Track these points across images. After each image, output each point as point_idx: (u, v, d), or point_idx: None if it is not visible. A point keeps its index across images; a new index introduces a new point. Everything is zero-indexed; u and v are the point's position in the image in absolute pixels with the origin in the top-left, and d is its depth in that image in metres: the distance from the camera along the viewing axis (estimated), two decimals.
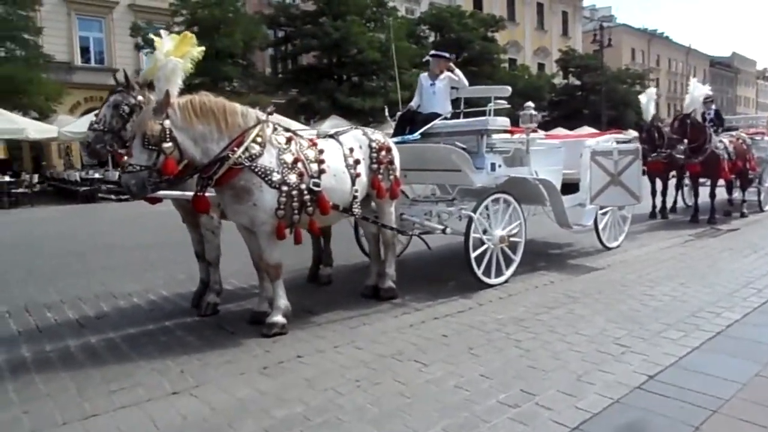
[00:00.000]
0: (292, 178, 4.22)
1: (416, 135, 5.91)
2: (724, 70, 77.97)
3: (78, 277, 6.67)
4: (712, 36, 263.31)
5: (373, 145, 4.92)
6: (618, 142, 7.37)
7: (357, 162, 4.75)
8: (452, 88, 6.53)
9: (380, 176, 4.90)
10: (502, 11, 43.78)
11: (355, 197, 4.69)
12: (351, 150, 4.77)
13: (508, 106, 6.04)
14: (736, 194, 10.75)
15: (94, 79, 24.88)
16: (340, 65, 24.26)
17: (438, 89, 6.47)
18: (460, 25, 28.47)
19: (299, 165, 4.29)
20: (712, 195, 9.88)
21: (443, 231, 5.50)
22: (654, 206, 10.77)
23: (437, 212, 5.85)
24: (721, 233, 8.84)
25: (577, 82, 41.34)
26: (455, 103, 6.65)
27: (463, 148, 5.70)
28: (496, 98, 5.98)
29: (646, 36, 63.39)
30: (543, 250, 7.59)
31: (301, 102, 23.95)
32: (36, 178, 21.04)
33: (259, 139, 4.17)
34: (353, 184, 4.68)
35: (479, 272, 5.41)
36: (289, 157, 4.27)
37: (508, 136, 5.97)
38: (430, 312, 4.82)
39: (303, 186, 4.27)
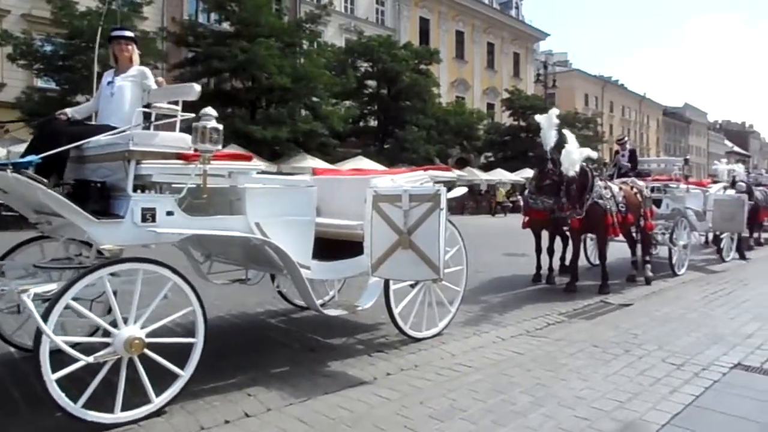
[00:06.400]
0: None
1: (34, 158, 3.46)
2: (677, 120, 78.76)
3: None
4: (666, 86, 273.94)
5: None
6: (437, 183, 5.07)
7: None
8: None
9: None
10: (450, 49, 42.68)
11: None
12: None
13: (192, 115, 3.69)
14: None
15: None
16: (249, 90, 21.94)
17: (118, 89, 4.12)
18: (389, 56, 26.52)
19: None
20: (602, 257, 7.69)
21: None
22: (539, 267, 8.51)
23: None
24: (605, 311, 6.58)
25: (524, 124, 39.93)
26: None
27: (99, 182, 3.31)
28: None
29: (600, 82, 63.35)
30: (319, 341, 5.10)
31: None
32: None
33: None
34: None
35: (72, 406, 2.91)
36: None
37: (182, 164, 3.56)
38: None
39: None
